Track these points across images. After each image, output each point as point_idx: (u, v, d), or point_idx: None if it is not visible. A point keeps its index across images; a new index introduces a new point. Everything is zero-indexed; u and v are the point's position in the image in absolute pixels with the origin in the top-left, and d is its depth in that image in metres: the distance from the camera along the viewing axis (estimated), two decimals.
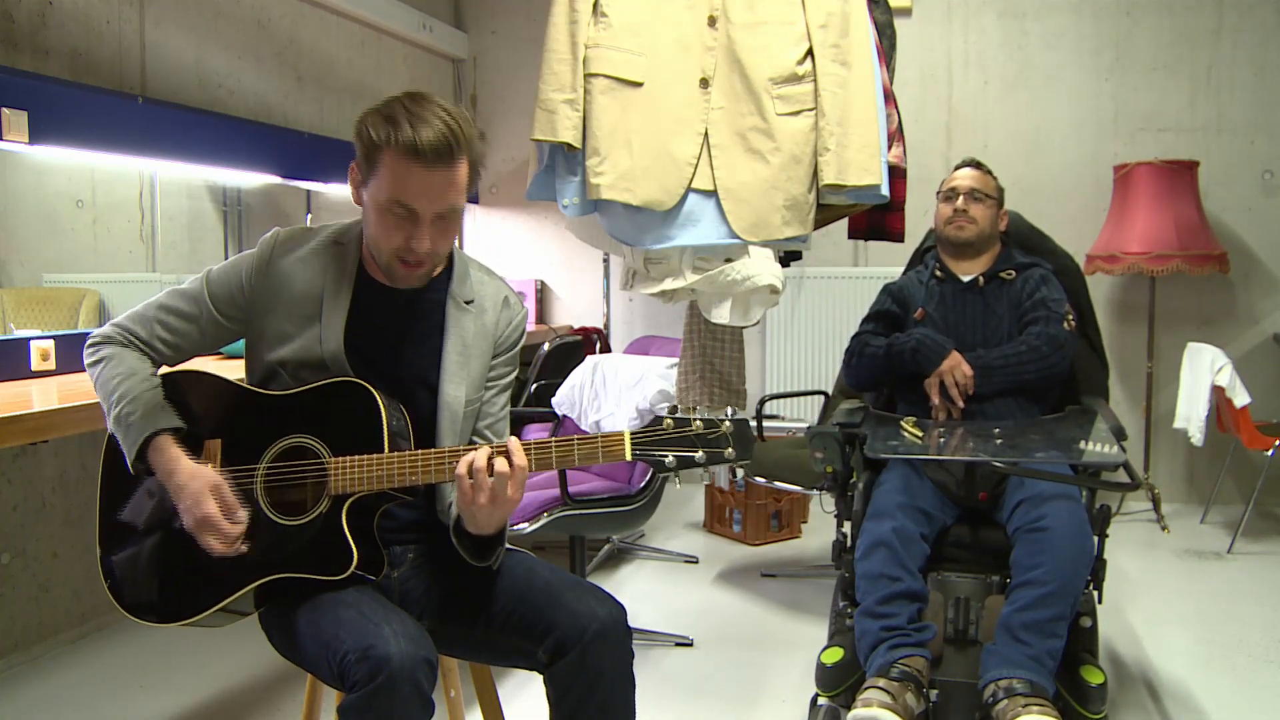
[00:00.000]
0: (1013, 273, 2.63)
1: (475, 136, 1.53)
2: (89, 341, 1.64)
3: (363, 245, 1.66)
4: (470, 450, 1.49)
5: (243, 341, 1.70)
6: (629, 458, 1.46)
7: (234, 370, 1.68)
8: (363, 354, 1.61)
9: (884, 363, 2.58)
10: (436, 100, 1.52)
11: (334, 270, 1.63)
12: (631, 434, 1.47)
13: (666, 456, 1.46)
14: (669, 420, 1.47)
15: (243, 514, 1.52)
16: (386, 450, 1.52)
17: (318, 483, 1.54)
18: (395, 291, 1.65)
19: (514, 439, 1.51)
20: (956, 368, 2.47)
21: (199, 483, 1.51)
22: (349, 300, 1.62)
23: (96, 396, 1.61)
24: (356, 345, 1.61)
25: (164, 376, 1.64)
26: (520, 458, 1.48)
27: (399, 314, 1.65)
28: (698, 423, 1.46)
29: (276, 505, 1.55)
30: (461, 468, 1.47)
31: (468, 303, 1.68)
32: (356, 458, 1.52)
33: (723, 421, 1.47)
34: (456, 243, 1.72)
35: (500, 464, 1.46)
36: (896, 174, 2.56)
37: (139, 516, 1.60)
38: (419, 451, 1.52)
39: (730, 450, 1.46)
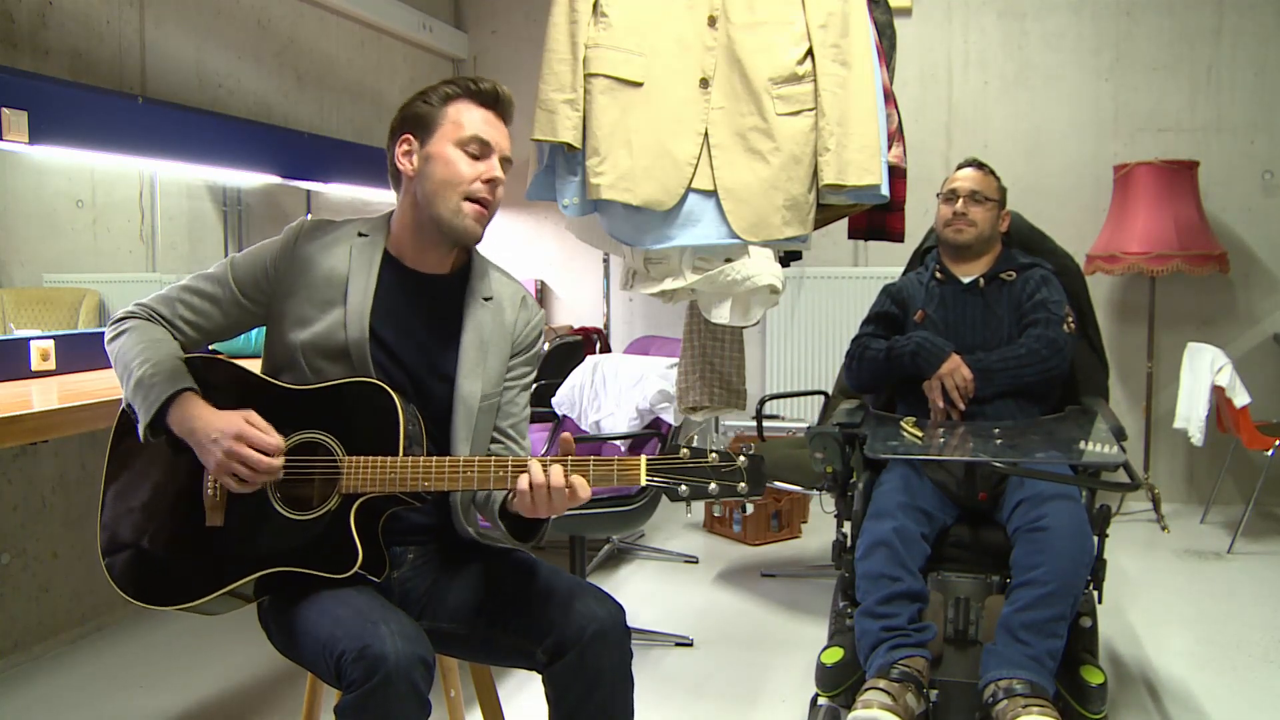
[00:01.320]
0: (1013, 274, 2.63)
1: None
2: (112, 319, 1.65)
3: (389, 233, 1.69)
4: (485, 463, 1.50)
5: (247, 340, 1.70)
6: (643, 483, 1.49)
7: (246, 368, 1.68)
8: (383, 342, 1.63)
9: (884, 366, 2.58)
10: None
11: (360, 257, 1.65)
12: (647, 460, 1.49)
13: (680, 485, 1.48)
14: (685, 450, 1.49)
15: (278, 436, 1.52)
16: (400, 454, 1.53)
17: (329, 480, 1.54)
18: (421, 279, 1.67)
19: (534, 462, 1.49)
20: (956, 371, 2.47)
21: (228, 416, 1.51)
22: (375, 285, 1.64)
23: (114, 370, 1.60)
24: (378, 332, 1.62)
25: (187, 360, 1.63)
26: (584, 490, 1.48)
27: (423, 299, 1.67)
28: (713, 455, 1.49)
29: (286, 499, 1.55)
30: (523, 485, 1.48)
31: (487, 299, 1.71)
32: (370, 458, 1.52)
33: (738, 456, 1.49)
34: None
35: (557, 479, 1.47)
36: (896, 174, 2.56)
37: (146, 499, 1.60)
38: (433, 459, 1.53)
39: (743, 485, 1.48)
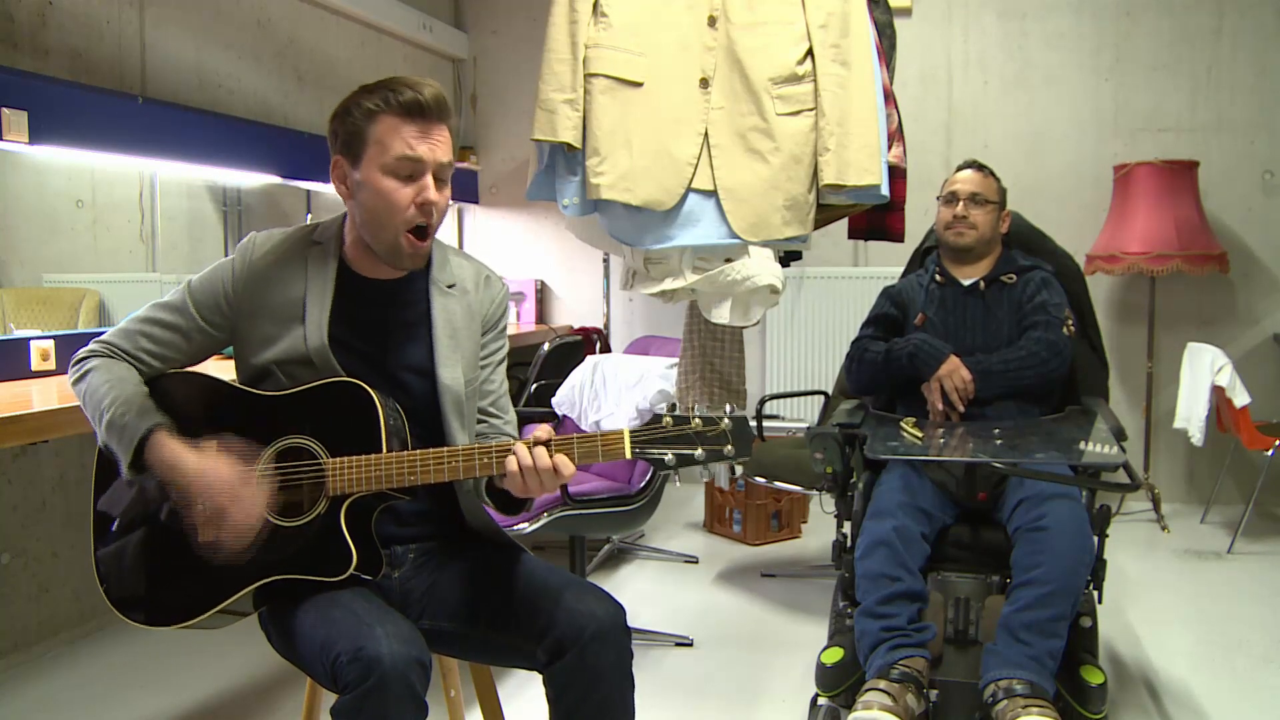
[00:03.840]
0: (1013, 277, 2.63)
1: (451, 108, 1.60)
2: (73, 359, 1.63)
3: (342, 241, 1.67)
4: (469, 451, 1.51)
5: None
6: (629, 456, 1.47)
7: (233, 370, 1.67)
8: (349, 347, 1.61)
9: (883, 368, 2.58)
10: (415, 77, 1.57)
11: (314, 268, 1.64)
12: (631, 432, 1.47)
13: (666, 454, 1.47)
14: (668, 418, 1.47)
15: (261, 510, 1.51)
16: (384, 450, 1.53)
17: (316, 484, 1.54)
18: (378, 283, 1.66)
19: (520, 445, 1.50)
20: (955, 372, 2.47)
21: (215, 472, 1.50)
22: (331, 295, 1.63)
23: (83, 410, 1.58)
24: (341, 339, 1.61)
25: (158, 377, 1.63)
26: (569, 468, 1.49)
27: (384, 304, 1.66)
28: (696, 420, 1.46)
29: (275, 506, 1.55)
30: (512, 466, 1.49)
31: (450, 286, 1.70)
32: (354, 458, 1.52)
33: (721, 419, 1.47)
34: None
35: (544, 460, 1.48)
36: (896, 174, 2.56)
37: (134, 520, 1.59)
38: (417, 452, 1.52)
39: (729, 447, 1.46)
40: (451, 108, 1.58)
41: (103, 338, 1.64)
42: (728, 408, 1.49)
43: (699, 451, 1.46)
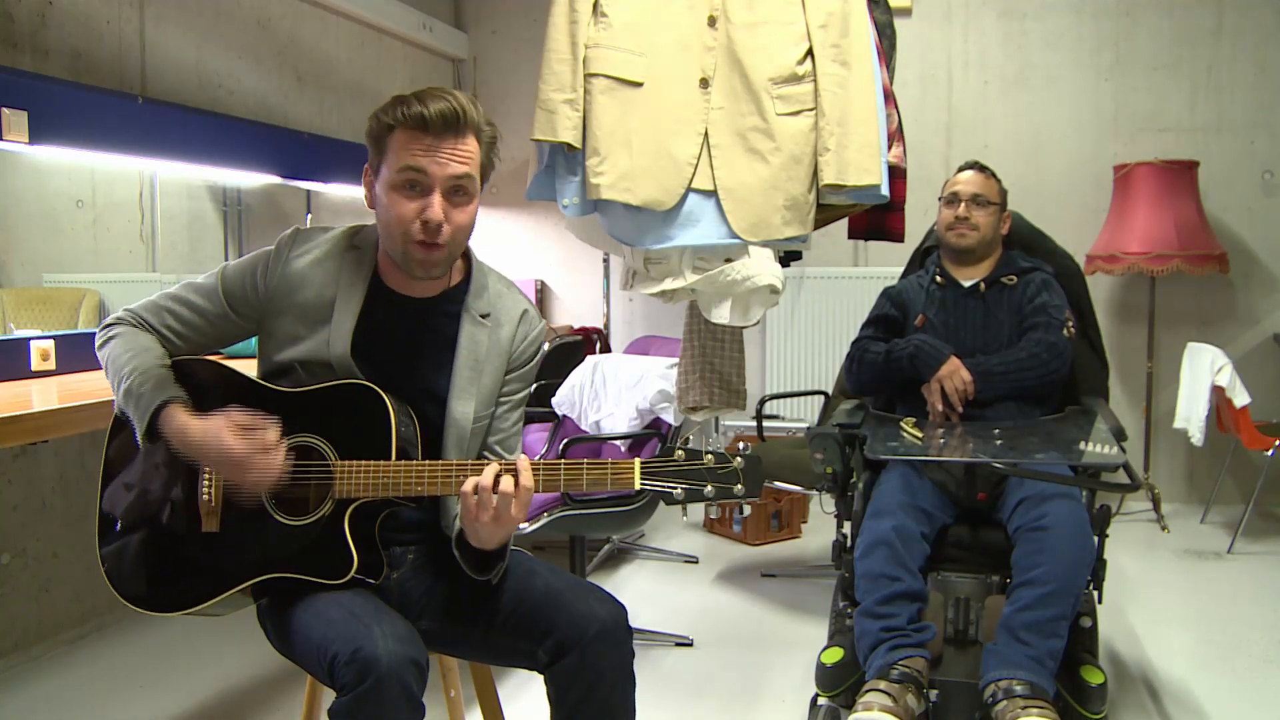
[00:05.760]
0: (1014, 278, 2.63)
1: (484, 120, 1.56)
2: (102, 324, 1.64)
3: (378, 250, 1.65)
4: (479, 466, 1.49)
5: (245, 344, 1.70)
6: (637, 487, 1.46)
7: (239, 367, 1.67)
8: (372, 361, 1.60)
9: (883, 369, 2.59)
10: (446, 88, 1.54)
11: (348, 273, 1.62)
12: (641, 463, 1.47)
13: (675, 489, 1.46)
14: (680, 451, 1.47)
15: (272, 428, 1.49)
16: (394, 458, 1.52)
17: (322, 484, 1.54)
18: (409, 300, 1.64)
19: (524, 458, 1.50)
20: (955, 373, 2.47)
21: (213, 430, 1.49)
22: (360, 305, 1.61)
23: (105, 375, 1.59)
24: (365, 351, 1.60)
25: (176, 362, 1.62)
26: (527, 479, 1.47)
27: (412, 323, 1.64)
28: (709, 457, 1.47)
29: (281, 503, 1.55)
30: (468, 486, 1.46)
31: (483, 316, 1.66)
32: (363, 463, 1.51)
33: (734, 457, 1.47)
34: (476, 255, 1.72)
35: (506, 483, 1.46)
36: (896, 174, 2.56)
37: (141, 505, 1.59)
38: (426, 463, 1.51)
39: (739, 487, 1.46)
40: (471, 116, 1.53)
41: (132, 307, 1.64)
42: (741, 445, 1.48)
43: (709, 488, 1.46)
